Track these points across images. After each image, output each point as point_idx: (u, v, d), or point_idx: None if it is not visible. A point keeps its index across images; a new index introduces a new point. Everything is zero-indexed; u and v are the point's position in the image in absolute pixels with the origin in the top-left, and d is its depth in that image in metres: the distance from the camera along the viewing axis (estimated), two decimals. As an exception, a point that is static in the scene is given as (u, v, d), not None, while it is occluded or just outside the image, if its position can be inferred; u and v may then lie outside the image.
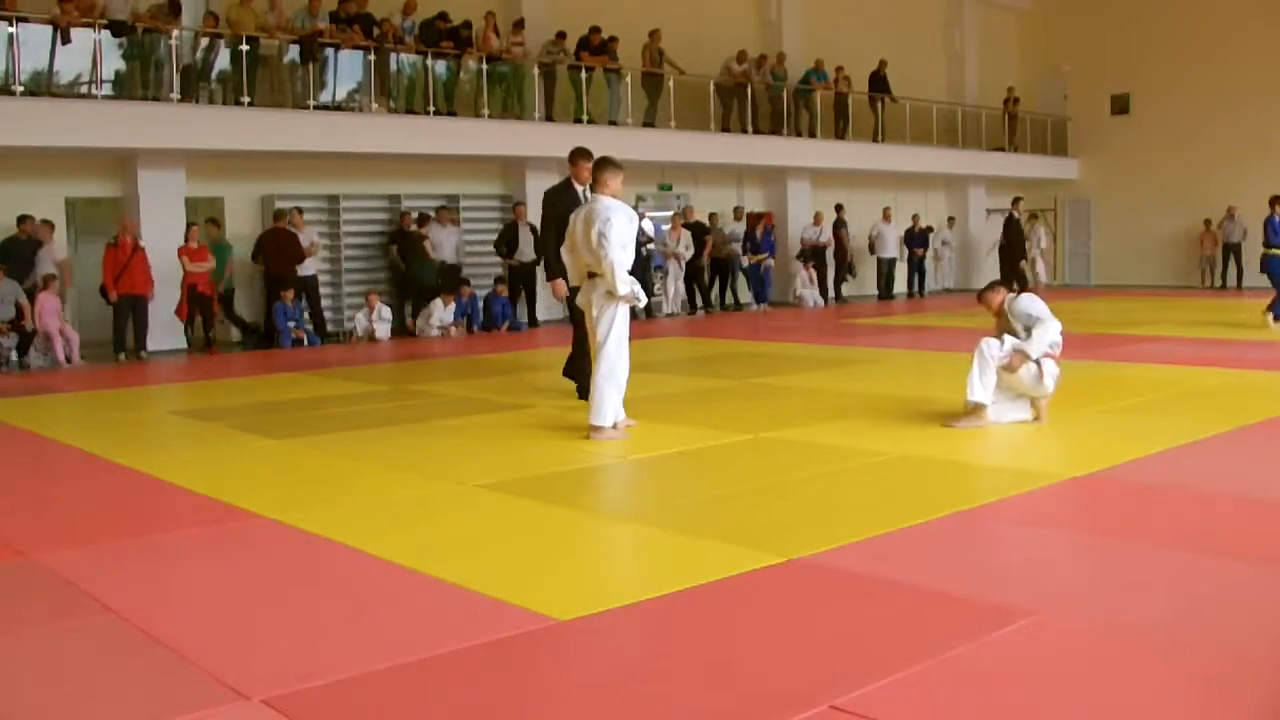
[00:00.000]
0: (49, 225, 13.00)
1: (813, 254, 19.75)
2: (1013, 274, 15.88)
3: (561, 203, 7.92)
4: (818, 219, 19.95)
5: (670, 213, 18.97)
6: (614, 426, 6.77)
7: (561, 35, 16.85)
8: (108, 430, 7.78)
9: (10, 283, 12.17)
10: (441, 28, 15.55)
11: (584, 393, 8.43)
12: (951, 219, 23.30)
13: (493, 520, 4.98)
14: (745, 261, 18.83)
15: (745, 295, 19.41)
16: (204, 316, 13.75)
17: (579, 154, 8.03)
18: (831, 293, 20.35)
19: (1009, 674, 3.07)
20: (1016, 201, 16.32)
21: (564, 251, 7.14)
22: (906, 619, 3.52)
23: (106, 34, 12.88)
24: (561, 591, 3.85)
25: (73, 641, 3.48)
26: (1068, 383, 8.79)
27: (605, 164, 6.89)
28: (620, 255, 6.58)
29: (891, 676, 3.01)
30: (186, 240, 13.52)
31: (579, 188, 8.02)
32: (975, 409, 6.83)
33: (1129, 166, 23.72)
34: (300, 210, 14.54)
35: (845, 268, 20.66)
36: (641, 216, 17.59)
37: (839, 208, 20.45)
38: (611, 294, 6.67)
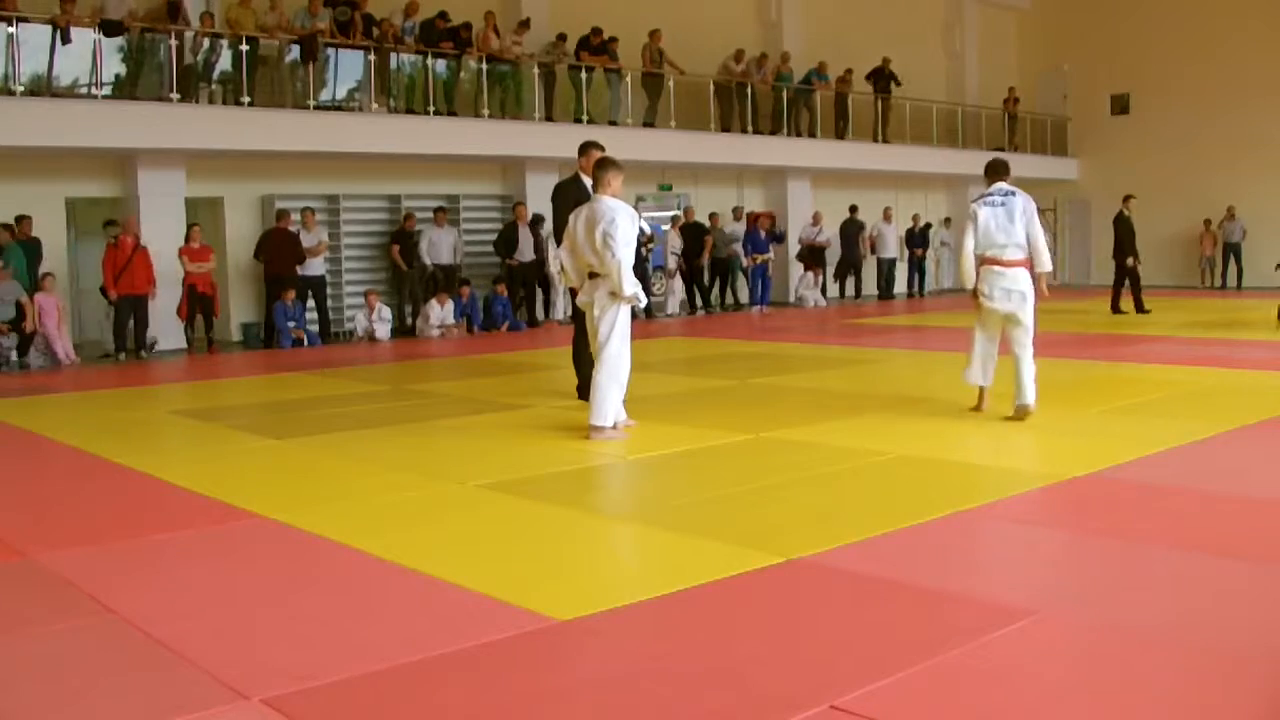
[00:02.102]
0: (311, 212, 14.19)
1: (811, 254, 19.76)
2: (1124, 274, 15.74)
3: (572, 196, 7.90)
4: (816, 219, 19.95)
5: (670, 213, 19.00)
6: (614, 426, 6.77)
7: (562, 38, 16.85)
8: (108, 430, 7.78)
9: (11, 282, 12.17)
10: (441, 27, 15.55)
11: (584, 392, 8.43)
12: (948, 219, 23.31)
13: (493, 520, 4.98)
14: (745, 262, 18.77)
15: (745, 295, 19.42)
16: (204, 316, 13.75)
17: (592, 145, 7.97)
18: (834, 291, 20.41)
19: (1009, 674, 3.07)
20: (1128, 199, 16.12)
21: (563, 252, 7.14)
22: (906, 619, 3.52)
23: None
24: (561, 591, 3.85)
25: (73, 641, 3.48)
26: (1068, 383, 8.81)
27: (607, 164, 6.89)
28: (626, 255, 6.59)
29: (891, 676, 3.01)
30: (187, 240, 13.52)
31: (587, 181, 7.98)
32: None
33: (1129, 166, 23.70)
34: (312, 211, 14.57)
35: (853, 267, 20.71)
36: (682, 217, 17.69)
37: (853, 209, 20.47)
38: (614, 294, 6.67)
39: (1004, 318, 7.18)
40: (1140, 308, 15.56)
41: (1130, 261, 15.61)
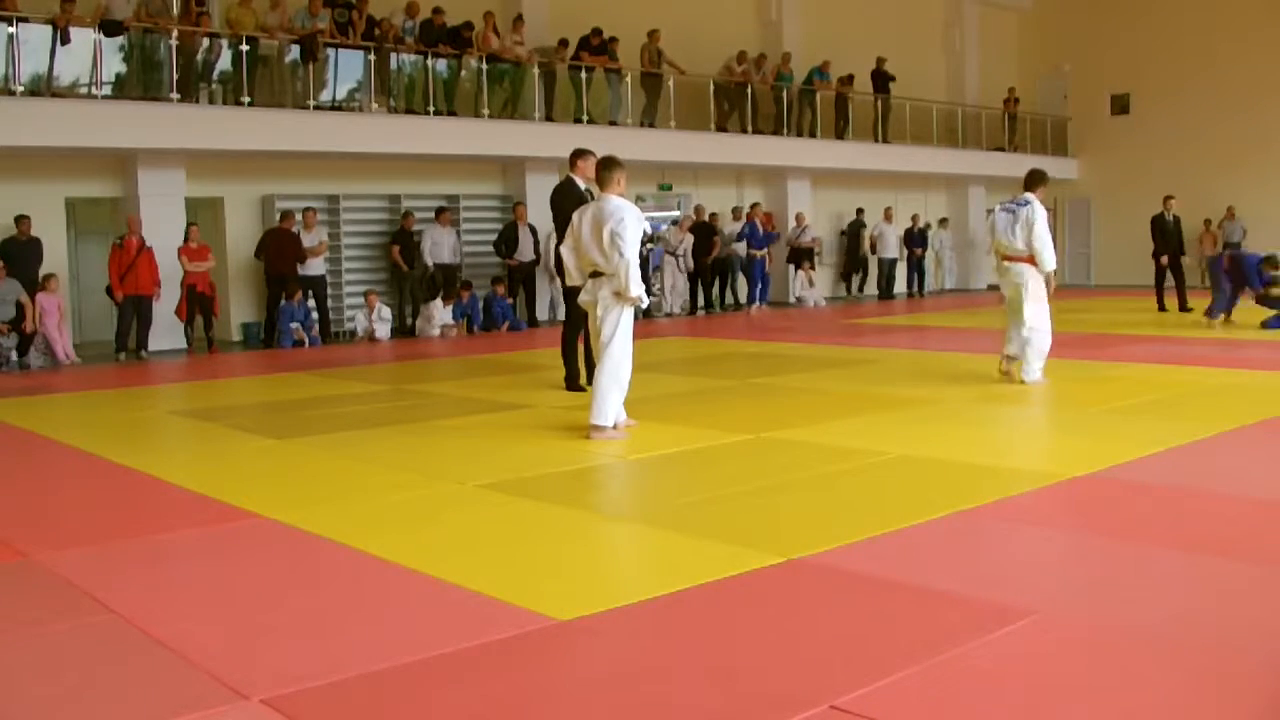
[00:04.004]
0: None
1: (797, 254, 19.81)
2: (1161, 273, 15.94)
3: (573, 196, 8.04)
4: (799, 219, 19.97)
5: (675, 213, 19.00)
6: (614, 426, 6.77)
7: (564, 43, 16.84)
8: (108, 430, 7.79)
9: (11, 282, 12.18)
10: (438, 24, 15.53)
11: (571, 384, 8.68)
12: (944, 220, 23.31)
13: (493, 520, 4.98)
14: (758, 256, 18.74)
15: (745, 295, 19.44)
16: (204, 316, 13.75)
17: (579, 154, 8.33)
18: (841, 290, 20.59)
19: (1009, 674, 3.07)
20: (1168, 200, 16.28)
21: (564, 250, 7.14)
22: (906, 619, 3.52)
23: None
24: (561, 591, 3.85)
25: (73, 641, 3.48)
26: (1068, 382, 8.82)
27: (612, 163, 6.88)
28: (634, 256, 6.60)
29: (891, 676, 3.01)
30: (186, 240, 13.51)
31: (581, 184, 8.19)
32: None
33: (1129, 166, 23.72)
34: (314, 211, 14.57)
35: (858, 266, 20.97)
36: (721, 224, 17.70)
37: (860, 211, 20.93)
38: (619, 294, 6.67)
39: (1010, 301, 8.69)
40: (1161, 305, 16.05)
41: (1164, 260, 15.80)
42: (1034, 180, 8.73)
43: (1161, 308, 16.01)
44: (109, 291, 13.02)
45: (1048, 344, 8.58)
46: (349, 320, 15.32)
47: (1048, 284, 8.57)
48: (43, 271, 12.61)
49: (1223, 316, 13.30)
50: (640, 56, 17.89)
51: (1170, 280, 16.17)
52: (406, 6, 15.44)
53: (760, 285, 18.73)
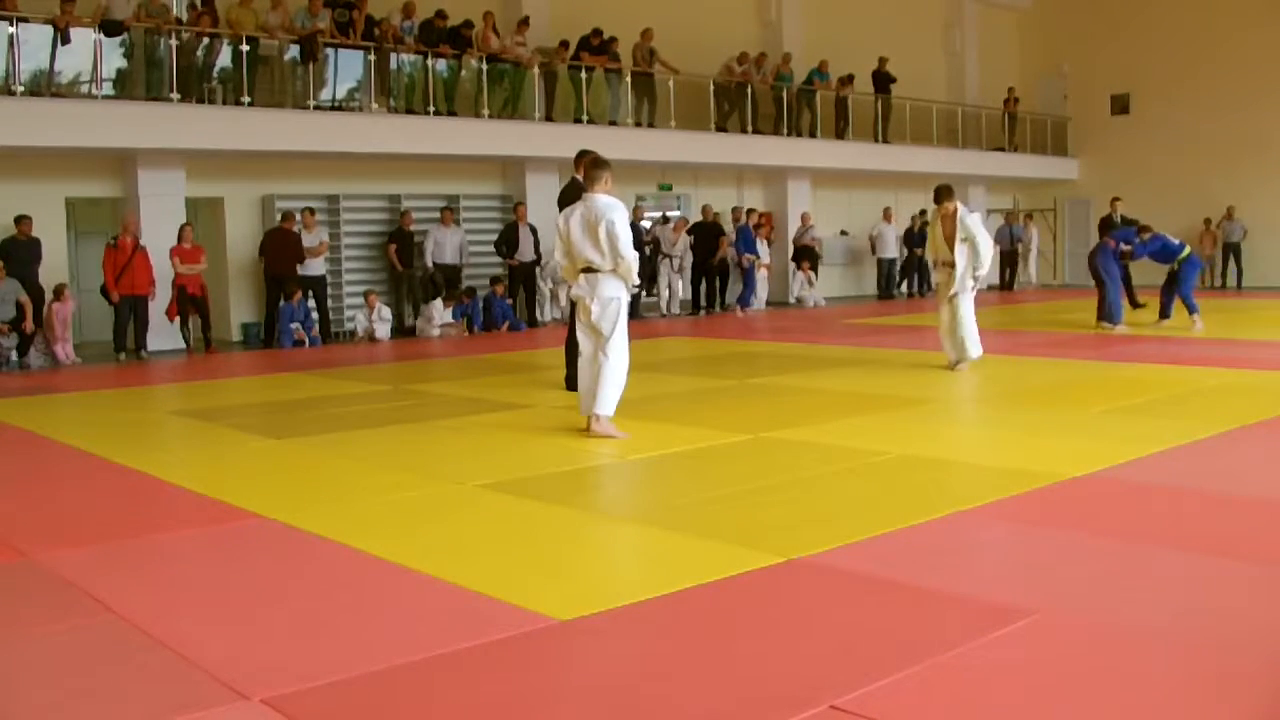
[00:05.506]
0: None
1: (800, 253, 19.80)
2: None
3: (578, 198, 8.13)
4: (805, 219, 19.97)
5: (674, 213, 18.98)
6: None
7: (565, 44, 16.84)
8: (108, 430, 7.78)
9: (11, 282, 12.17)
10: (439, 26, 15.54)
11: (572, 384, 8.62)
12: None
13: (493, 520, 4.98)
14: (753, 261, 18.71)
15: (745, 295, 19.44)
16: (201, 317, 13.74)
17: (585, 155, 8.31)
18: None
19: (1009, 674, 3.07)
20: (1115, 201, 16.33)
21: (557, 251, 7.16)
22: (906, 619, 3.52)
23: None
24: (561, 591, 3.85)
25: (73, 641, 3.48)
26: (1069, 382, 8.82)
27: (600, 164, 6.99)
28: (631, 251, 6.69)
29: (891, 676, 3.01)
30: (180, 240, 13.48)
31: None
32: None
33: (1129, 166, 23.70)
34: (312, 211, 14.57)
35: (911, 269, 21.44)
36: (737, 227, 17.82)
37: (922, 213, 20.91)
38: (616, 288, 6.74)
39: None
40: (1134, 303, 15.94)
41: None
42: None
43: (1135, 305, 16.14)
44: (103, 291, 13.01)
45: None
46: (349, 320, 15.32)
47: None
48: (42, 271, 12.59)
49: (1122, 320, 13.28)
50: (632, 55, 17.87)
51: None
52: (405, 6, 15.44)
53: (745, 289, 18.60)
